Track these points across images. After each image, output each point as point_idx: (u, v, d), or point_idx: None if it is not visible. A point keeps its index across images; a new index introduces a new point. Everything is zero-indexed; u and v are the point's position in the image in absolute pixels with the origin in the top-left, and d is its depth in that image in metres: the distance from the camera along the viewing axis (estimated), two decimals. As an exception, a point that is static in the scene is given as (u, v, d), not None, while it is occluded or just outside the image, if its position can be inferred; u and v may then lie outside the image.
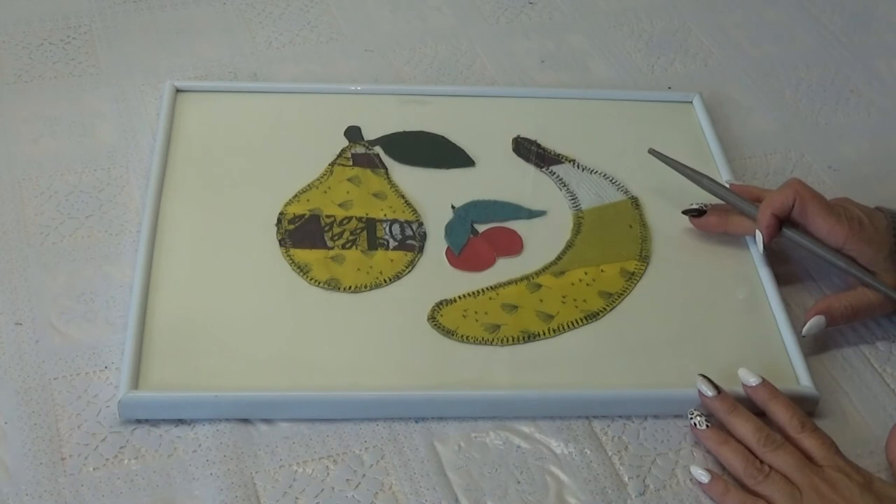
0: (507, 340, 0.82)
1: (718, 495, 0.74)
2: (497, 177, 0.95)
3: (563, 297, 0.85)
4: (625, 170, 0.96)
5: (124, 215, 0.90)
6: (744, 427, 0.76)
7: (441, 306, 0.83)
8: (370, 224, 0.89)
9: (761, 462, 0.74)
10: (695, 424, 0.77)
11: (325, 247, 0.87)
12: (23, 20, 1.08)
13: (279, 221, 0.88)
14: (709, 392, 0.77)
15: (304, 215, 0.89)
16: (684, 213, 0.90)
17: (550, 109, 1.02)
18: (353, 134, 0.97)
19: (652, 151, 0.92)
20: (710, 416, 0.77)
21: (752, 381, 0.78)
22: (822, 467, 0.73)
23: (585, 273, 0.87)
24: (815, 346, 0.84)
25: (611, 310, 0.84)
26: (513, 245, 0.89)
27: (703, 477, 0.75)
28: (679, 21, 1.17)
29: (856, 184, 0.98)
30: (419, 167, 0.95)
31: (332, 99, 1.01)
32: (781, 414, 0.76)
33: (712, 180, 0.90)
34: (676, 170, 0.91)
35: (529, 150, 0.97)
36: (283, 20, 1.12)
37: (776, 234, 0.85)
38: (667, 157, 0.91)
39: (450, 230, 0.90)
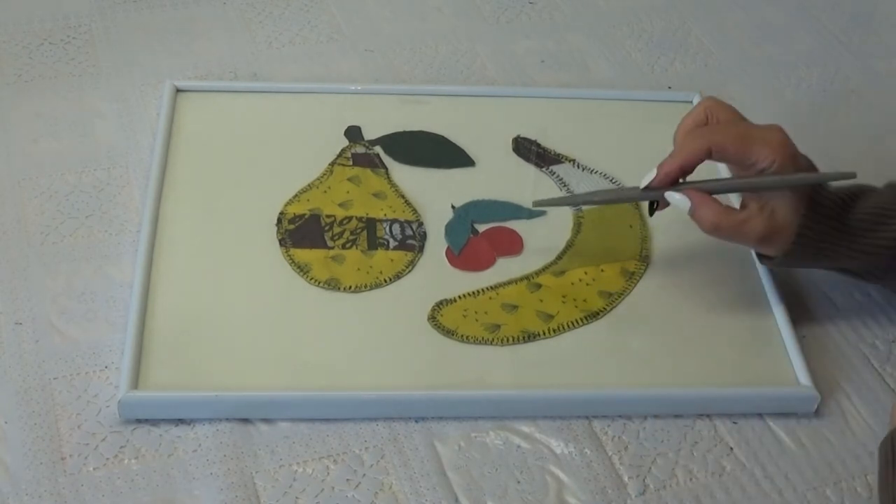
0: (508, 340, 0.82)
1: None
2: (497, 177, 0.95)
3: (564, 296, 0.85)
4: (625, 170, 0.96)
5: (124, 215, 0.90)
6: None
7: (441, 306, 0.83)
8: (370, 224, 0.89)
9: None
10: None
11: (325, 246, 0.87)
12: (23, 20, 1.08)
13: (279, 221, 0.88)
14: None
15: (304, 215, 0.89)
16: None
17: (550, 109, 1.02)
18: (353, 134, 0.97)
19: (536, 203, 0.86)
20: None
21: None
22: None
23: (585, 273, 0.87)
24: (815, 347, 0.84)
25: (611, 309, 0.84)
26: (513, 245, 0.89)
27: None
28: (679, 21, 1.17)
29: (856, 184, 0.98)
30: (419, 167, 0.95)
31: (332, 99, 1.01)
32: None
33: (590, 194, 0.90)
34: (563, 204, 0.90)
35: (529, 150, 0.97)
36: (283, 20, 1.12)
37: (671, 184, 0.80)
38: (550, 199, 0.86)
39: (450, 230, 0.90)
